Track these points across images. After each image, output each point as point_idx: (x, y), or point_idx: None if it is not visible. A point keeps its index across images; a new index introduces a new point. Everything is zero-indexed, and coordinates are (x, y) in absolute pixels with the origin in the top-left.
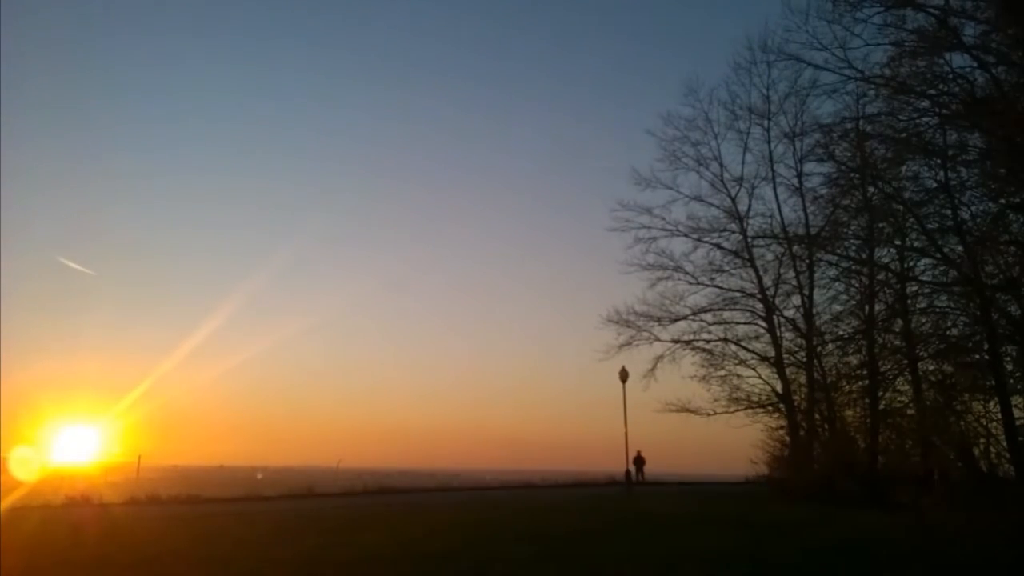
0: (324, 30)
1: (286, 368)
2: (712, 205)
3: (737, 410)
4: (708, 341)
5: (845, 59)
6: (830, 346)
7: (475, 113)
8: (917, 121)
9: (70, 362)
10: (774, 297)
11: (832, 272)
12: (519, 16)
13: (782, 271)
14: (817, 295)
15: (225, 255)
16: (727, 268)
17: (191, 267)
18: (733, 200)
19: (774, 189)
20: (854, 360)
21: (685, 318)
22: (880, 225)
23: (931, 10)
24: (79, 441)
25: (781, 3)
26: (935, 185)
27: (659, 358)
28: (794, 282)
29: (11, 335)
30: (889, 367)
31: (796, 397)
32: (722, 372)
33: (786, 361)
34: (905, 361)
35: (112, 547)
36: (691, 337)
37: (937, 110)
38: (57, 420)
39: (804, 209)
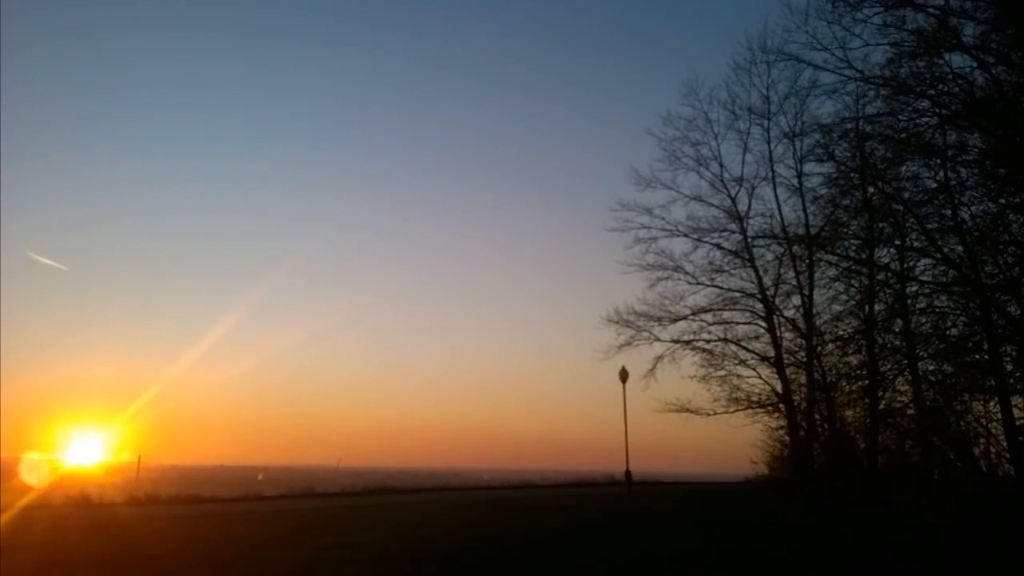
0: (332, 39)
1: (287, 370)
2: (712, 205)
3: (737, 410)
4: (708, 341)
5: (845, 59)
6: (830, 346)
7: (475, 113)
8: (917, 121)
9: (81, 367)
10: (774, 297)
11: (832, 272)
12: (518, 16)
13: (782, 271)
14: (817, 295)
15: (233, 261)
16: (727, 268)
17: (197, 273)
18: (733, 200)
19: (774, 189)
20: (854, 360)
21: (685, 318)
22: (880, 225)
23: (931, 10)
24: (86, 444)
25: (781, 3)
26: (935, 185)
27: (659, 358)
28: (794, 282)
29: (22, 339)
30: (889, 367)
31: (796, 397)
32: (722, 372)
33: (786, 361)
34: (905, 361)
35: (112, 547)
36: (691, 337)
37: (937, 110)
38: (67, 424)
39: (804, 209)
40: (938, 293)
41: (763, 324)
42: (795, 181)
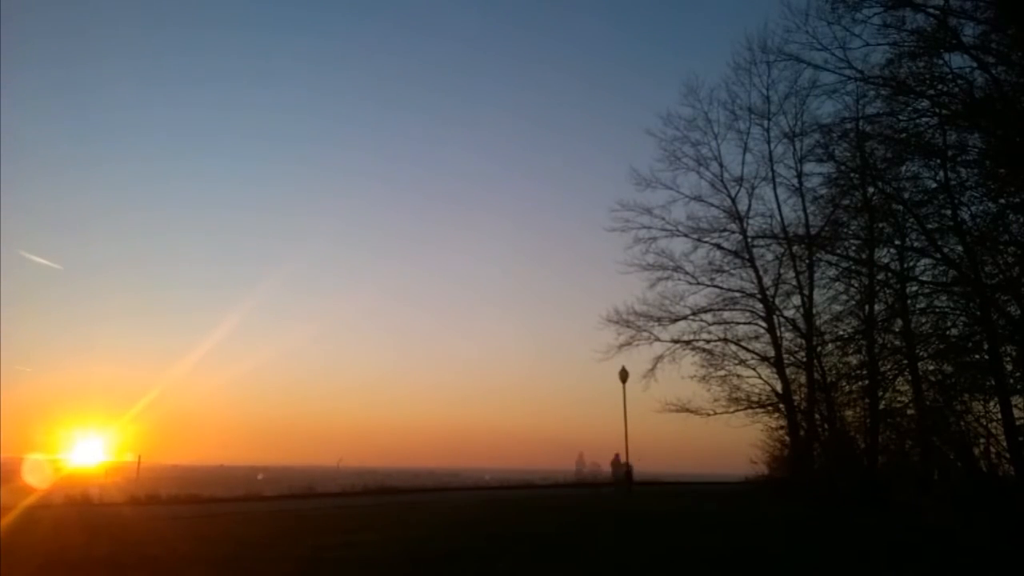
0: (337, 35)
1: (288, 370)
2: (712, 205)
3: (737, 410)
4: (708, 341)
5: (845, 59)
6: (830, 346)
7: (475, 113)
8: (917, 121)
9: (81, 368)
10: (774, 297)
11: (832, 272)
12: (520, 16)
13: (782, 271)
14: (817, 295)
15: (235, 260)
16: (727, 268)
17: (197, 272)
18: (733, 200)
19: (774, 189)
20: (854, 360)
21: (685, 318)
22: (880, 225)
23: (930, 10)
24: (87, 444)
25: (781, 3)
26: (935, 185)
27: (659, 358)
28: (794, 282)
29: (21, 340)
30: (889, 367)
31: (796, 397)
32: (722, 372)
33: (786, 361)
34: (905, 361)
35: (113, 547)
36: (691, 337)
37: (937, 110)
38: (69, 425)
39: (804, 209)
40: (938, 293)
41: (763, 324)
42: (795, 181)
